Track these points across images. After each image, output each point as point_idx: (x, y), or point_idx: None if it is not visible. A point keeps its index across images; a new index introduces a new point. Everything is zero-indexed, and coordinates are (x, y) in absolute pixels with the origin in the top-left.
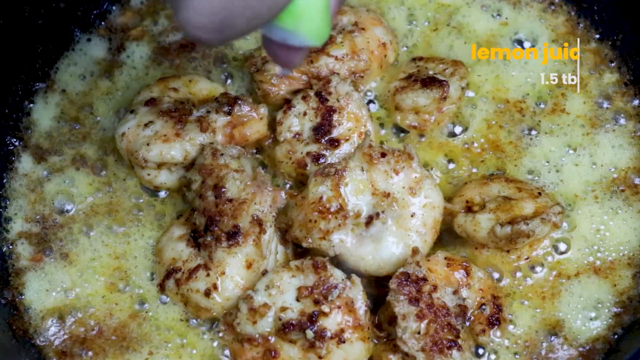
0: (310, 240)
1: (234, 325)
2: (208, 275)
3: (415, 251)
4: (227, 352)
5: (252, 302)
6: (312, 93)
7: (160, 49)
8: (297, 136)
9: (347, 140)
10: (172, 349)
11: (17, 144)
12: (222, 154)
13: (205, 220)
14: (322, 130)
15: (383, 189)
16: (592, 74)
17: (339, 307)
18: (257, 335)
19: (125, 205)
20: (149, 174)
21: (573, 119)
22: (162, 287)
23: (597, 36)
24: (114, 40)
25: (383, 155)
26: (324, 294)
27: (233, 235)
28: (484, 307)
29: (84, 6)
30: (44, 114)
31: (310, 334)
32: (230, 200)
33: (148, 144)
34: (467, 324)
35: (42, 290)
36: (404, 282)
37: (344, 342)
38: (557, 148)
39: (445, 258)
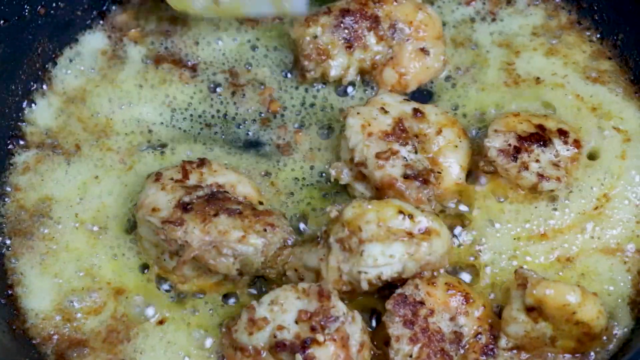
0: None
1: (232, 331)
2: None
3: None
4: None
5: (253, 313)
6: None
7: (159, 47)
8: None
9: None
10: (171, 350)
11: (16, 143)
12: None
13: None
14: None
15: None
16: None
17: (334, 340)
18: (250, 347)
19: (122, 203)
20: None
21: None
22: None
23: (597, 36)
24: (114, 39)
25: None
26: (321, 323)
27: None
28: (479, 336)
29: (83, 6)
30: (43, 114)
31: (299, 358)
32: None
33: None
34: (462, 351)
35: (41, 290)
36: (401, 304)
37: None
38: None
39: (445, 283)
